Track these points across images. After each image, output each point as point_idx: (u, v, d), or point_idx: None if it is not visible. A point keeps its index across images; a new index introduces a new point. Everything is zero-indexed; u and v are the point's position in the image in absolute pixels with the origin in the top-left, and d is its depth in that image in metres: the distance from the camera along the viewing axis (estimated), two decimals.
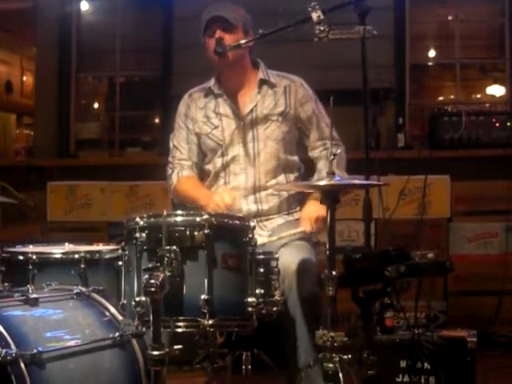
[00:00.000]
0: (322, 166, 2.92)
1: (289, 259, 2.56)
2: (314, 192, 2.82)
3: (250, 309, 2.18)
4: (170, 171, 3.01)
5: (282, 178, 2.92)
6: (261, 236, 2.79)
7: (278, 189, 2.87)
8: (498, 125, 4.92)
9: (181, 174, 2.97)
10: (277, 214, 2.90)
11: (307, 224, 2.74)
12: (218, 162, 2.93)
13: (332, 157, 2.32)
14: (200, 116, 2.96)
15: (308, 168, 3.04)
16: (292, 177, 2.94)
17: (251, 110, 2.90)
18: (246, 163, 2.89)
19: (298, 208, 2.94)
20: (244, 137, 2.89)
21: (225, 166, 2.91)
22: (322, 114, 2.94)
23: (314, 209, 2.77)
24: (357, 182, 2.46)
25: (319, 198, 2.50)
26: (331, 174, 2.31)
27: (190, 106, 3.00)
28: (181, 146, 2.99)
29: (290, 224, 2.87)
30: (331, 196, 2.31)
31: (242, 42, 2.76)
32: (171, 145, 3.04)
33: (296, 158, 2.97)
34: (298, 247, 2.69)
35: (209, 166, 2.97)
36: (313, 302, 2.56)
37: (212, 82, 2.97)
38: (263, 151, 2.88)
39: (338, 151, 2.59)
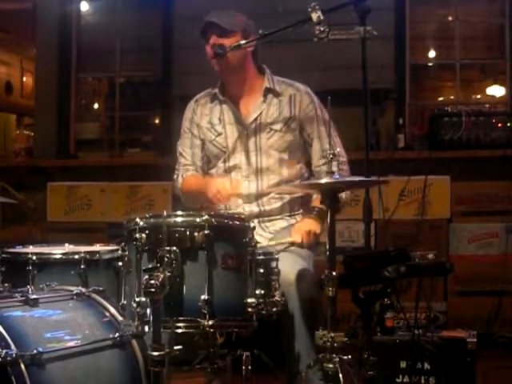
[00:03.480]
0: None
1: (286, 268, 2.52)
2: (312, 210, 2.85)
3: (249, 309, 2.19)
4: (175, 176, 3.03)
5: (285, 187, 2.89)
6: (262, 237, 2.79)
7: (278, 191, 2.85)
8: (498, 125, 4.92)
9: (185, 174, 2.99)
10: (279, 216, 2.89)
11: (298, 235, 2.74)
12: (221, 167, 2.92)
13: (331, 156, 2.32)
14: (204, 122, 2.95)
15: (312, 173, 3.01)
16: None
17: (255, 119, 2.88)
18: (249, 172, 2.88)
19: (301, 211, 2.93)
20: (246, 145, 2.88)
21: (227, 172, 2.90)
22: (326, 123, 2.87)
23: (308, 223, 2.79)
24: (356, 179, 2.46)
25: (315, 217, 2.77)
26: (331, 173, 2.32)
27: (195, 112, 2.99)
28: (185, 152, 3.00)
29: (291, 228, 2.85)
30: (331, 195, 2.31)
31: (242, 42, 2.74)
32: (178, 152, 3.04)
33: (300, 165, 2.94)
34: (295, 255, 2.68)
35: (212, 172, 2.97)
36: (312, 304, 2.55)
37: (217, 89, 2.95)
38: (266, 162, 2.86)
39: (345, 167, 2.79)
